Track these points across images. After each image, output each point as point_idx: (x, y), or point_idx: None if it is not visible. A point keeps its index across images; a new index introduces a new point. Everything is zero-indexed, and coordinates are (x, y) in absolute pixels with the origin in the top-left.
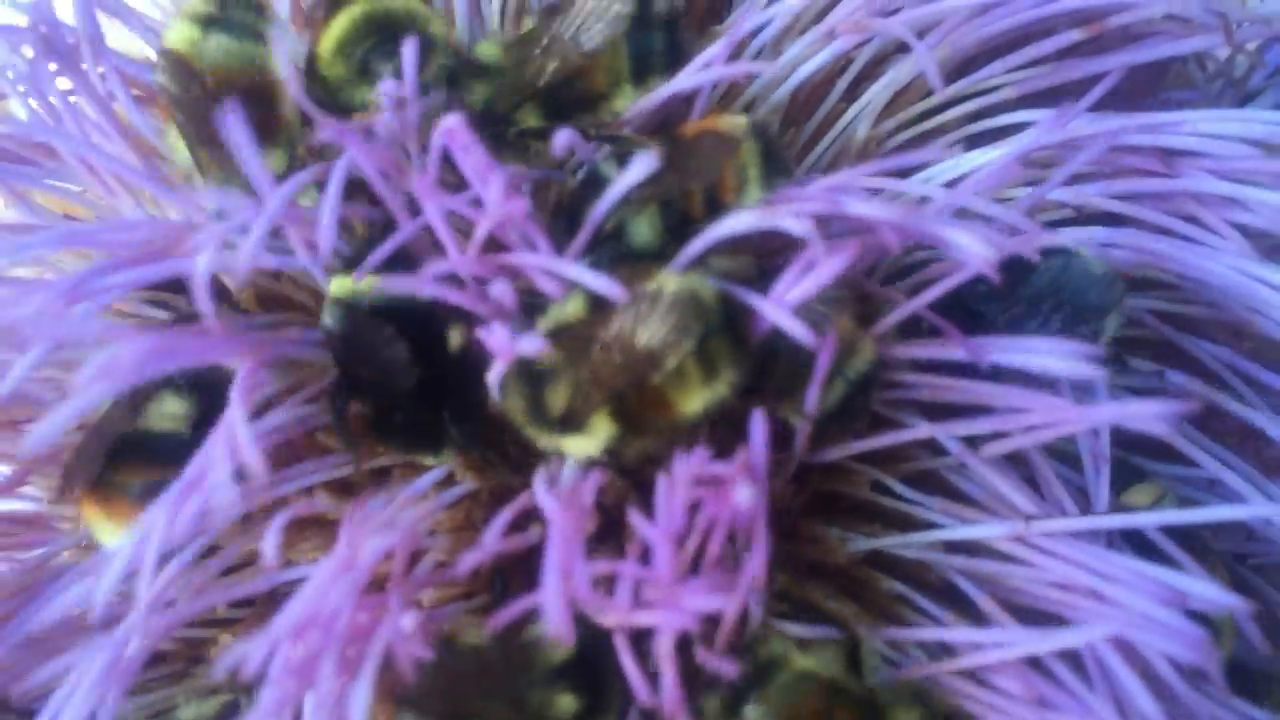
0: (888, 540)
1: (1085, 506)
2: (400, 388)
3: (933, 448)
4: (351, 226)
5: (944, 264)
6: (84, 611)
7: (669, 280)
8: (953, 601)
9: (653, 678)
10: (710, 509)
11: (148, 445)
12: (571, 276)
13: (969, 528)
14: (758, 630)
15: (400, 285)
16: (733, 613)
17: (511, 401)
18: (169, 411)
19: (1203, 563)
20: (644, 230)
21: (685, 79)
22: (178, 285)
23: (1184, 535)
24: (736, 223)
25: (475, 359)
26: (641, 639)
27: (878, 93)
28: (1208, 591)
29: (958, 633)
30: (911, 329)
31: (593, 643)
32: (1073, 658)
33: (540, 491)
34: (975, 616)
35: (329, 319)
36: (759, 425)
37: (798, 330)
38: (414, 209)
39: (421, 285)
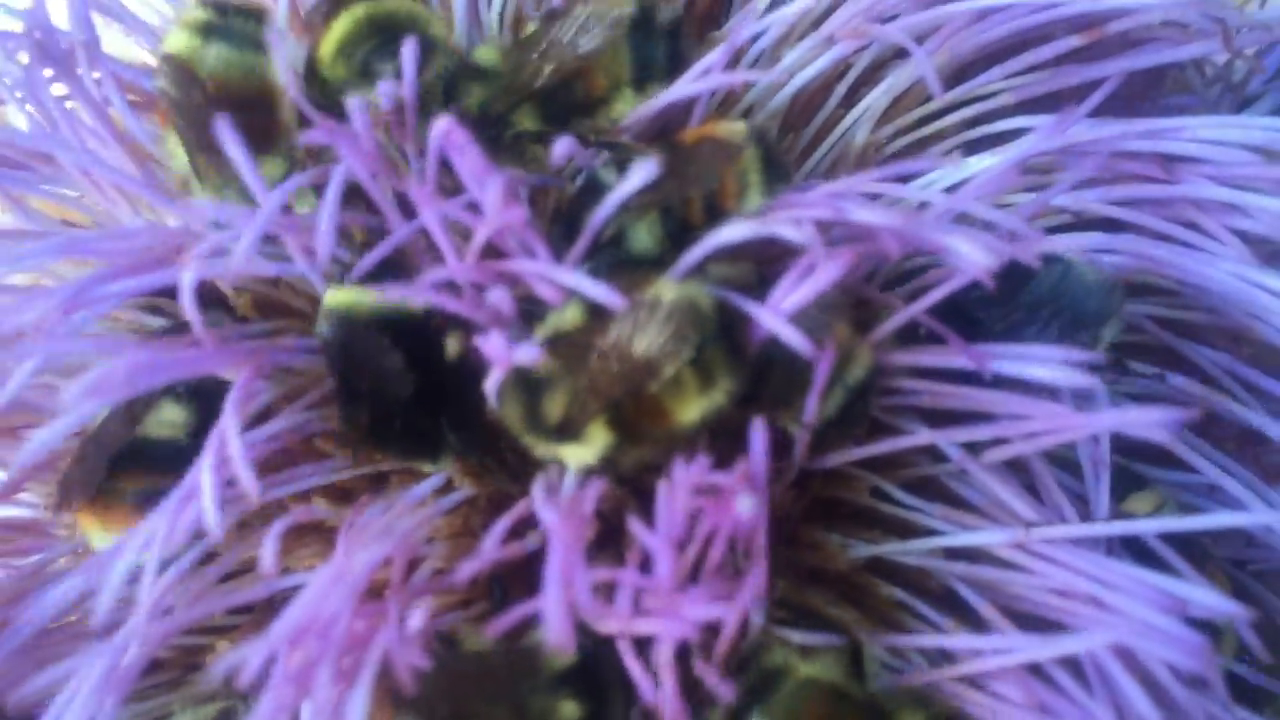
0: (888, 547)
1: (1085, 513)
2: (397, 395)
3: (933, 454)
4: (350, 233)
5: (942, 270)
6: (80, 618)
7: (667, 288)
8: (953, 608)
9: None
10: (711, 518)
11: (146, 452)
12: (570, 284)
13: (969, 534)
14: (760, 638)
15: (397, 293)
16: (733, 622)
17: (509, 409)
18: (168, 419)
19: (1202, 570)
20: (644, 237)
21: (684, 86)
22: (174, 292)
23: (1184, 542)
24: (734, 231)
25: (473, 366)
26: (644, 646)
27: (876, 99)
28: (1208, 599)
29: (958, 639)
30: (910, 334)
31: (595, 650)
32: (1072, 664)
33: (539, 501)
34: (975, 623)
35: (325, 328)
36: (759, 435)
37: (794, 338)
38: (410, 212)
39: (419, 293)
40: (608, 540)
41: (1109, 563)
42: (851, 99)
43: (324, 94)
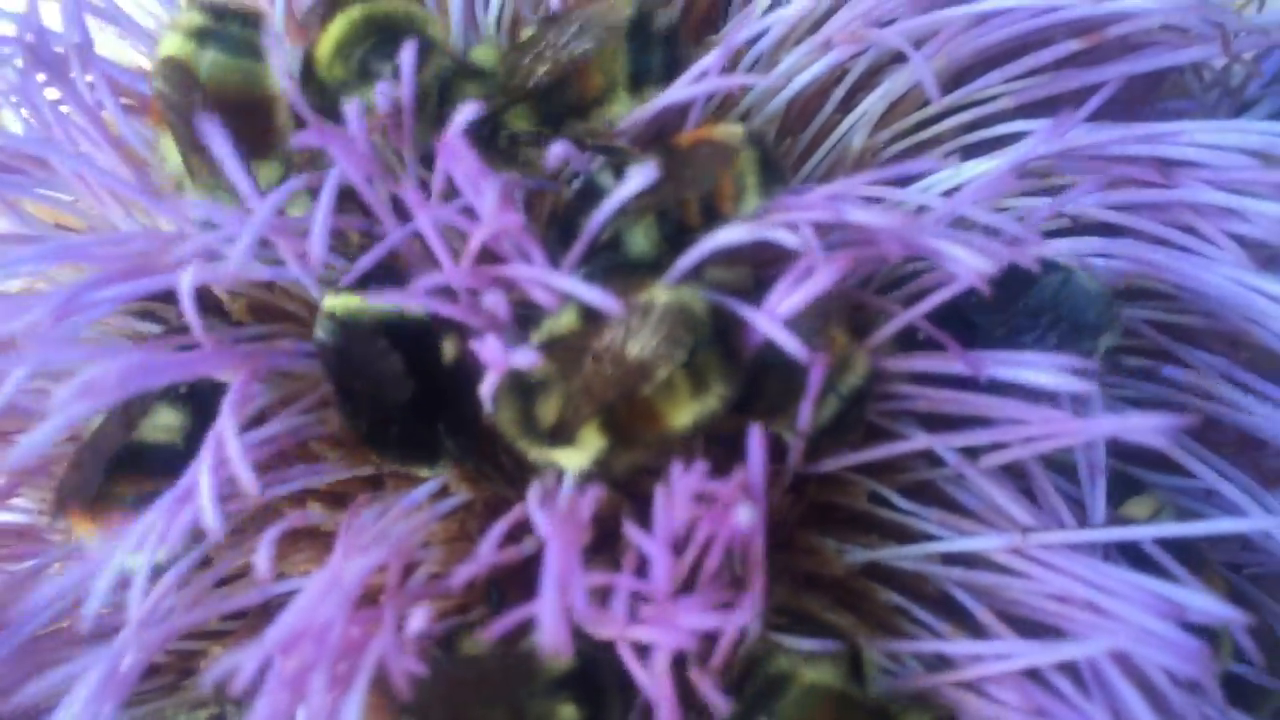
0: (885, 552)
1: (1083, 518)
2: (395, 401)
3: (930, 459)
4: (346, 237)
5: (939, 273)
6: (76, 623)
7: (660, 292)
8: (950, 613)
9: None
10: (708, 526)
11: (142, 457)
12: (565, 289)
13: (966, 539)
14: (764, 646)
15: (392, 299)
16: (730, 633)
17: (503, 413)
18: (163, 423)
19: (1199, 574)
20: (640, 240)
21: (680, 89)
22: (168, 297)
23: (1181, 547)
24: (731, 234)
25: (470, 370)
26: (644, 650)
27: (874, 103)
28: (1205, 604)
29: (957, 645)
30: (908, 338)
31: (593, 655)
32: (1070, 669)
33: (534, 507)
34: (973, 628)
35: (322, 333)
36: (756, 444)
37: (790, 343)
38: (406, 215)
39: (414, 298)
40: (603, 545)
41: (1106, 568)
42: (849, 103)
43: (321, 96)
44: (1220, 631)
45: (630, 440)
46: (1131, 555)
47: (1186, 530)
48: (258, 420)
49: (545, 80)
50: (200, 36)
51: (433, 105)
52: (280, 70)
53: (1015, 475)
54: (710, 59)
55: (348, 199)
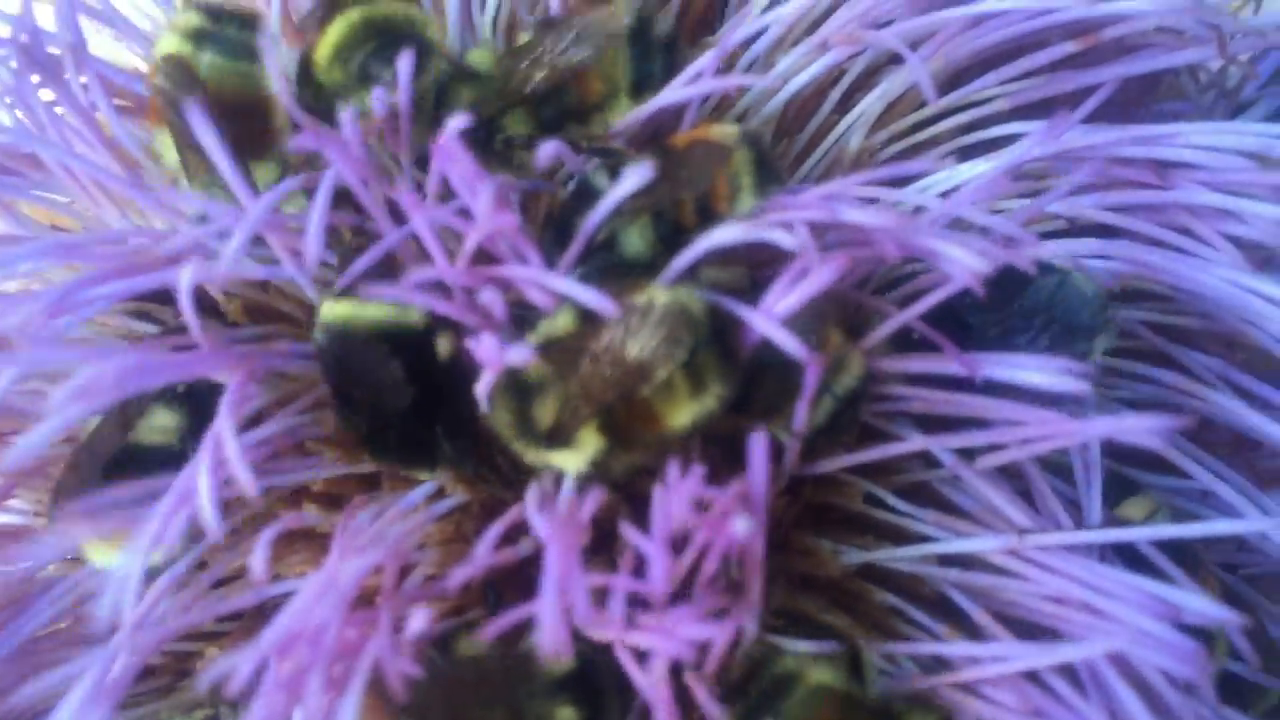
0: (881, 553)
1: (1079, 520)
2: (394, 406)
3: (926, 460)
4: (341, 236)
5: (935, 274)
6: (70, 625)
7: (659, 293)
8: (947, 614)
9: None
10: (706, 533)
11: (139, 459)
12: (562, 290)
13: (963, 541)
14: (762, 648)
15: (386, 295)
16: (727, 640)
17: (499, 415)
18: (159, 425)
19: (1195, 575)
20: (635, 241)
21: (675, 90)
22: (163, 297)
23: (1176, 547)
24: (726, 233)
25: (467, 374)
26: (643, 653)
27: (870, 104)
28: (1201, 605)
29: (954, 646)
30: (904, 339)
31: (592, 657)
32: (1066, 669)
33: (533, 509)
34: (969, 629)
35: (320, 339)
36: (759, 453)
37: (787, 342)
38: (402, 218)
39: (405, 295)
40: (600, 546)
41: (1103, 569)
42: (846, 105)
43: (318, 98)
44: (1216, 632)
45: (629, 441)
46: (1127, 556)
47: (1182, 532)
48: (253, 421)
49: (542, 86)
50: (197, 38)
51: (429, 108)
52: (277, 73)
53: (1011, 476)
54: (705, 59)
55: (343, 199)
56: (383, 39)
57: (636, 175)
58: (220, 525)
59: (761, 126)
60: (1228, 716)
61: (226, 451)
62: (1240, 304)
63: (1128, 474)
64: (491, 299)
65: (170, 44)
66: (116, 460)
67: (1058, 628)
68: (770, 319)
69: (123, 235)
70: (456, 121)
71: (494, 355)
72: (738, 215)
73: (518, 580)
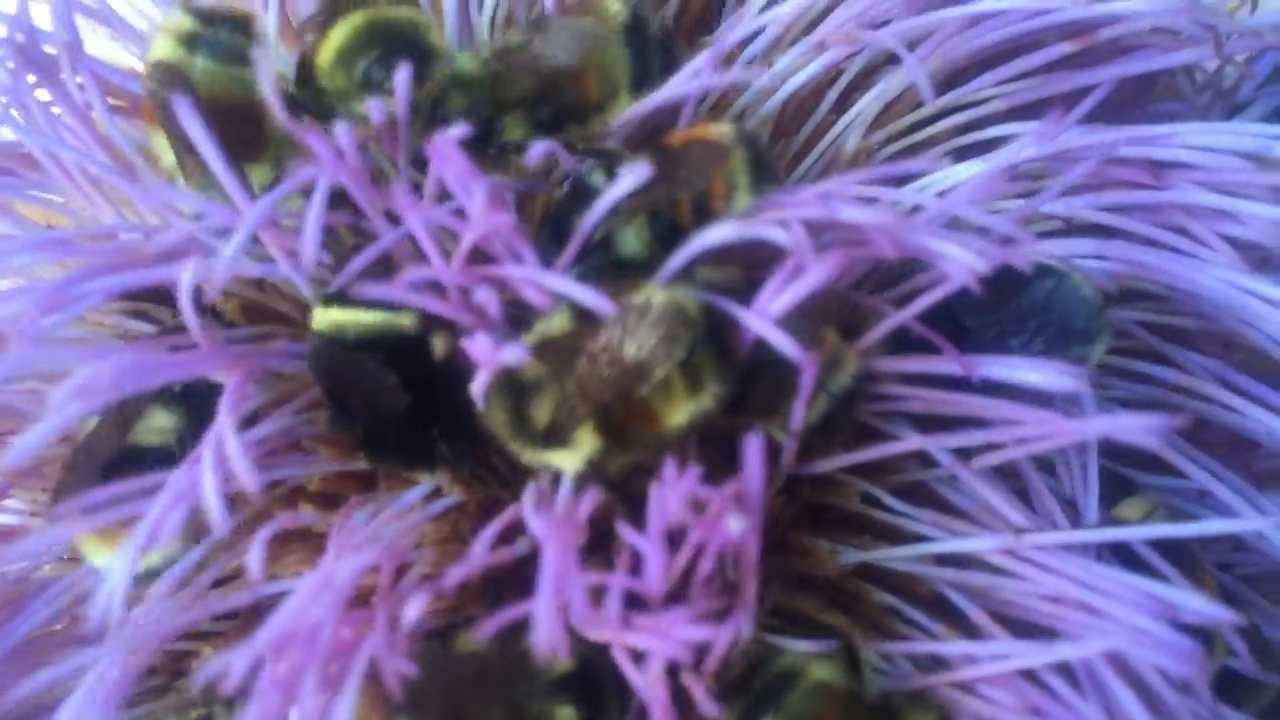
0: (878, 553)
1: (1076, 519)
2: (391, 412)
3: (922, 459)
4: (338, 235)
5: (931, 273)
6: (67, 625)
7: (656, 292)
8: (944, 614)
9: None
10: (701, 533)
11: (137, 460)
12: (558, 289)
13: (959, 540)
14: (759, 647)
15: (381, 293)
16: (724, 642)
17: (495, 415)
18: (157, 425)
19: (1192, 574)
20: (632, 240)
21: (672, 88)
22: (160, 297)
23: (1173, 547)
24: (721, 232)
25: (462, 376)
26: (639, 653)
27: (868, 104)
28: (1198, 604)
29: (951, 645)
30: (900, 338)
31: (591, 656)
32: (1063, 668)
33: (529, 510)
34: (966, 629)
35: (314, 348)
36: (755, 455)
37: (781, 342)
38: (398, 221)
39: (399, 293)
40: (596, 546)
41: (1099, 568)
42: (843, 105)
43: (319, 102)
44: (1213, 631)
45: (626, 440)
46: (1124, 556)
47: (1179, 531)
48: (249, 422)
49: (530, 91)
50: (190, 42)
51: (426, 110)
52: (269, 81)
53: (1008, 476)
54: (702, 58)
55: (340, 199)
56: (386, 44)
57: (633, 175)
58: (226, 521)
59: (758, 126)
60: (1224, 714)
61: (228, 449)
62: (1237, 304)
63: (1125, 474)
64: (486, 298)
65: (163, 48)
66: (115, 461)
67: (1055, 627)
68: (764, 318)
69: (114, 230)
70: (455, 130)
71: (488, 354)
72: (733, 214)
73: (515, 580)
